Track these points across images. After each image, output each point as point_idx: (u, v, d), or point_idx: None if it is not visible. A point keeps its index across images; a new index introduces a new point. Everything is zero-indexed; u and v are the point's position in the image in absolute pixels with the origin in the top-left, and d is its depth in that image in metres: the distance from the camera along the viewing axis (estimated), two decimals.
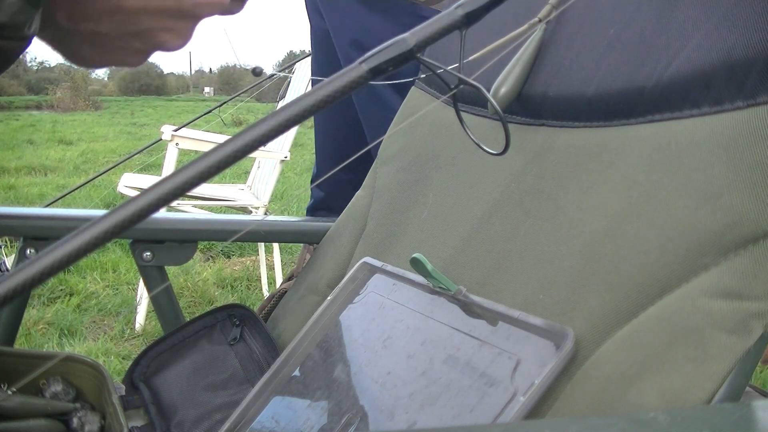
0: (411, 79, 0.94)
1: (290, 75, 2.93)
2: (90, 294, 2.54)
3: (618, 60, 0.60)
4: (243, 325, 0.87)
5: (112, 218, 0.28)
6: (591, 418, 0.33)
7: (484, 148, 0.51)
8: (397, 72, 0.34)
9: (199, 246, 1.25)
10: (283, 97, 3.11)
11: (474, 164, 0.74)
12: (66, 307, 2.40)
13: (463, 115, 0.76)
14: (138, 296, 2.43)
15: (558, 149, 0.64)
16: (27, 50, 0.48)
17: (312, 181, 1.96)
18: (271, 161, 2.60)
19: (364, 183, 0.93)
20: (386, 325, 0.68)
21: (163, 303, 0.92)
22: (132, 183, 2.55)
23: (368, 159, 0.96)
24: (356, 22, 1.36)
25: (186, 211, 2.37)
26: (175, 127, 2.53)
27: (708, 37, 0.53)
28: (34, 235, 0.85)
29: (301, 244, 0.98)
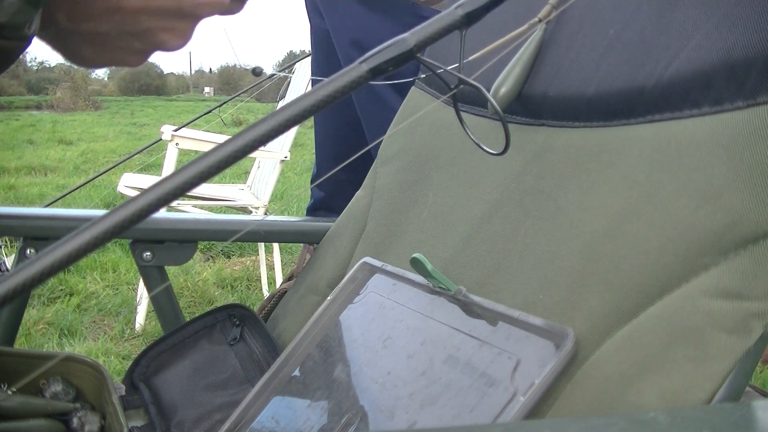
0: (411, 79, 0.94)
1: (290, 75, 2.93)
2: (90, 294, 2.54)
3: (618, 60, 0.60)
4: (243, 325, 0.87)
5: (112, 218, 0.28)
6: (591, 418, 0.33)
7: (484, 148, 0.51)
8: (397, 72, 0.34)
9: (199, 246, 1.25)
10: (283, 97, 3.11)
11: (474, 164, 0.74)
12: (66, 307, 2.40)
13: (463, 115, 0.76)
14: (138, 296, 2.43)
15: (558, 149, 0.64)
16: (27, 50, 0.48)
17: (312, 181, 1.96)
18: (271, 161, 2.60)
19: (364, 183, 0.93)
20: (386, 325, 0.68)
21: (163, 303, 0.92)
22: (132, 183, 2.55)
23: (368, 159, 0.96)
24: (356, 22, 1.36)
25: (186, 211, 2.37)
26: (175, 127, 2.53)
27: (708, 37, 0.53)
28: (34, 235, 0.85)
29: (301, 244, 0.98)
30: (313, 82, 2.10)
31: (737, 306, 0.44)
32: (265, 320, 0.93)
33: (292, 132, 2.68)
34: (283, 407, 0.71)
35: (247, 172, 3.21)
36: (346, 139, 1.54)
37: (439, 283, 0.64)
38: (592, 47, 0.64)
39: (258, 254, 2.81)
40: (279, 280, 2.54)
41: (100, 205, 4.09)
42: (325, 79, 0.32)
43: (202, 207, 2.53)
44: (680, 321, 0.45)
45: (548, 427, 0.28)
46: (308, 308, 0.84)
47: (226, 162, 0.30)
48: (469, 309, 0.61)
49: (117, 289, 2.62)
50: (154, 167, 4.48)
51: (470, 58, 0.70)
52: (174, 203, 0.90)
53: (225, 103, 3.89)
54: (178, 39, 0.52)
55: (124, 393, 0.83)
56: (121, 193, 2.50)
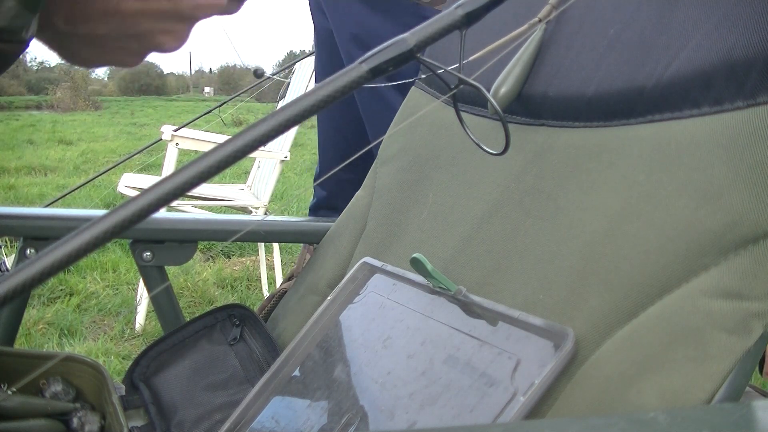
0: (412, 79, 0.94)
1: (289, 78, 2.93)
2: (90, 294, 2.54)
3: (618, 60, 0.60)
4: (243, 325, 0.87)
5: (112, 218, 0.28)
6: (591, 418, 0.33)
7: (484, 148, 0.51)
8: (398, 72, 0.34)
9: (199, 246, 1.25)
10: (283, 97, 3.11)
11: (474, 164, 0.74)
12: (66, 307, 2.40)
13: (463, 115, 0.76)
14: (138, 296, 2.43)
15: (558, 149, 0.64)
16: (26, 51, 0.48)
17: (315, 180, 1.97)
18: (271, 161, 2.60)
19: (364, 183, 0.93)
20: (386, 325, 0.68)
21: (163, 303, 0.92)
22: (132, 183, 2.55)
23: (371, 158, 0.96)
24: (359, 20, 1.36)
25: (186, 211, 2.37)
26: (175, 127, 2.53)
27: (708, 37, 0.53)
28: (34, 235, 0.85)
29: (301, 244, 0.98)
30: (317, 82, 2.10)
31: (737, 306, 0.44)
32: (265, 320, 0.93)
33: (292, 132, 2.68)
34: (283, 407, 0.71)
35: (247, 172, 3.21)
36: (348, 138, 1.55)
37: (439, 283, 0.64)
38: (592, 47, 0.64)
39: (258, 254, 2.81)
40: (279, 280, 2.54)
41: (100, 205, 4.09)
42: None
43: (202, 207, 2.53)
44: (680, 321, 0.45)
45: (548, 427, 0.28)
46: (308, 308, 0.84)
47: (226, 162, 0.30)
48: (469, 309, 0.61)
49: (117, 289, 2.62)
50: (154, 167, 4.48)
51: (470, 58, 0.70)
52: (174, 203, 0.90)
53: (225, 103, 3.89)
54: (175, 40, 0.52)
55: (124, 393, 0.83)
56: (121, 193, 2.50)
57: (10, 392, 0.70)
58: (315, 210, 1.68)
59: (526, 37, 0.70)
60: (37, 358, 0.78)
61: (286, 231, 1.00)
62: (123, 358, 2.02)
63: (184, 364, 0.84)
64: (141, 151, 3.52)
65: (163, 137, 2.38)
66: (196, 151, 2.45)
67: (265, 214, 2.48)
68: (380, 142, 0.92)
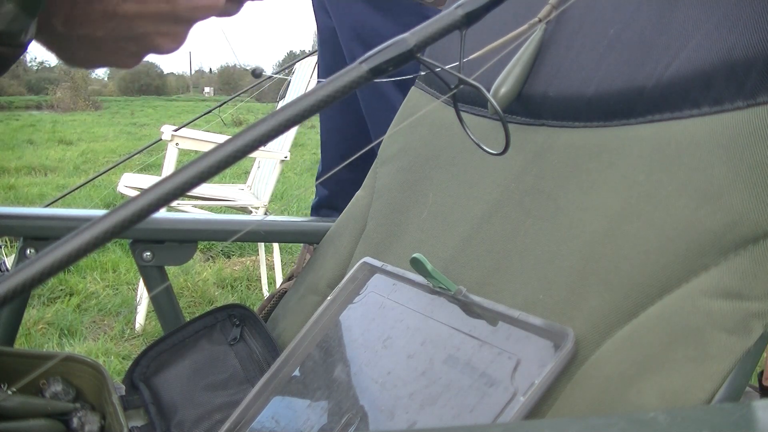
0: (412, 76, 0.94)
1: (290, 77, 2.93)
2: (90, 294, 2.54)
3: (618, 60, 0.60)
4: (243, 325, 0.87)
5: (112, 218, 0.28)
6: (591, 418, 0.33)
7: (484, 148, 0.51)
8: (399, 70, 0.34)
9: (199, 246, 1.25)
10: (283, 97, 3.11)
11: (474, 164, 0.74)
12: (66, 307, 2.40)
13: (463, 115, 0.76)
14: (138, 296, 2.43)
15: (558, 149, 0.64)
16: (26, 52, 0.48)
17: (317, 179, 1.97)
18: (271, 161, 2.60)
19: (364, 183, 0.93)
20: (386, 325, 0.68)
21: (163, 303, 0.92)
22: (132, 183, 2.55)
23: (373, 158, 0.96)
24: (362, 19, 1.36)
25: (186, 211, 2.37)
26: (175, 127, 2.53)
27: (708, 37, 0.53)
28: (34, 235, 0.85)
29: (301, 244, 0.98)
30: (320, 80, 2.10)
31: (737, 306, 0.44)
32: (265, 320, 0.93)
33: (292, 132, 2.68)
34: (283, 407, 0.71)
35: (247, 172, 3.21)
36: (350, 137, 1.55)
37: (439, 283, 0.64)
38: (592, 47, 0.64)
39: (258, 254, 2.81)
40: (279, 280, 2.54)
41: (100, 205, 4.09)
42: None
43: (202, 207, 2.53)
44: (680, 321, 0.45)
45: (548, 427, 0.28)
46: (308, 308, 0.84)
47: (226, 162, 0.30)
48: (469, 309, 0.61)
49: (117, 289, 2.62)
50: (154, 167, 4.48)
51: (470, 57, 0.70)
52: (174, 203, 0.90)
53: (225, 103, 3.90)
54: (173, 42, 0.53)
55: (124, 393, 0.83)
56: (121, 193, 2.50)
57: (10, 392, 0.70)
58: (317, 209, 1.68)
59: (526, 37, 0.70)
60: (37, 358, 0.78)
61: (286, 231, 1.00)
62: (123, 358, 2.02)
63: (184, 364, 0.84)
64: (141, 151, 3.53)
65: (163, 137, 2.38)
66: (196, 151, 2.45)
67: (265, 214, 2.48)
68: (380, 142, 0.92)
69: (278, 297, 0.95)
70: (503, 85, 0.69)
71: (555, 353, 0.51)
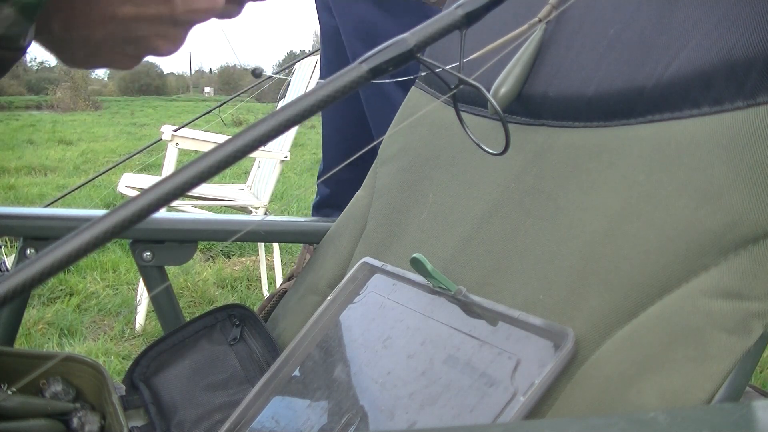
0: (412, 77, 0.94)
1: (290, 77, 2.93)
2: (90, 294, 2.54)
3: (618, 60, 0.60)
4: (243, 325, 0.87)
5: (112, 218, 0.28)
6: (591, 418, 0.33)
7: (484, 148, 0.51)
8: (401, 70, 0.34)
9: (199, 246, 1.25)
10: (283, 97, 3.11)
11: (474, 164, 0.74)
12: (66, 307, 2.40)
13: (463, 115, 0.76)
14: (138, 296, 2.43)
15: (558, 149, 0.64)
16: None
17: (318, 178, 1.97)
18: (271, 161, 2.60)
19: (364, 183, 0.93)
20: (386, 325, 0.68)
21: (163, 303, 0.92)
22: (132, 183, 2.55)
23: (374, 157, 0.96)
24: (365, 18, 1.37)
25: (186, 211, 2.37)
26: (175, 127, 2.53)
27: (708, 37, 0.53)
28: (34, 235, 0.85)
29: (301, 244, 0.98)
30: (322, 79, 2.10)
31: (737, 306, 0.44)
32: (265, 320, 0.93)
33: (292, 132, 2.68)
34: (283, 407, 0.71)
35: (247, 172, 3.21)
36: (352, 136, 1.55)
37: (439, 283, 0.64)
38: (592, 47, 0.64)
39: (258, 254, 2.81)
40: (279, 280, 2.54)
41: (100, 205, 4.09)
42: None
43: (202, 207, 2.53)
44: (680, 321, 0.45)
45: (548, 427, 0.28)
46: (308, 308, 0.84)
47: (226, 162, 0.30)
48: (469, 309, 0.61)
49: (117, 289, 2.62)
50: (154, 167, 4.48)
51: (470, 57, 0.70)
52: (174, 203, 0.90)
53: (225, 103, 3.90)
54: (172, 44, 0.53)
55: (124, 393, 0.83)
56: (121, 193, 2.50)
57: (10, 392, 0.70)
58: (318, 208, 1.68)
59: (526, 37, 0.70)
60: (37, 358, 0.78)
61: (286, 231, 1.00)
62: (123, 358, 2.02)
63: (184, 364, 0.84)
64: (141, 151, 3.53)
65: (163, 137, 2.38)
66: (196, 151, 2.45)
67: (265, 214, 2.48)
68: (380, 142, 0.92)
69: (278, 297, 0.95)
70: (503, 85, 0.69)
71: (555, 353, 0.51)
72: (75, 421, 0.72)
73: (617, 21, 0.62)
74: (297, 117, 0.31)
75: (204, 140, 2.48)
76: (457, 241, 0.70)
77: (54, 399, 0.73)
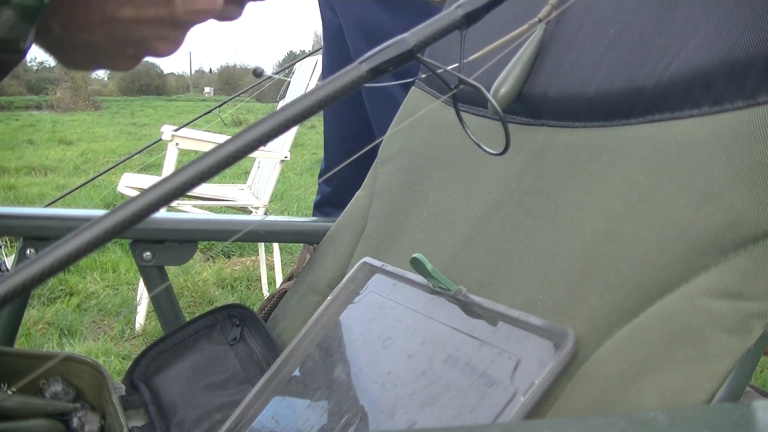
0: (412, 79, 0.95)
1: (289, 78, 2.93)
2: (90, 294, 2.54)
3: (618, 60, 0.60)
4: (243, 325, 0.87)
5: (112, 218, 0.28)
6: (591, 418, 0.33)
7: (484, 148, 0.51)
8: (402, 70, 0.34)
9: (199, 246, 1.25)
10: (283, 97, 3.11)
11: (474, 164, 0.74)
12: (66, 307, 2.40)
13: (463, 115, 0.76)
14: (138, 296, 2.43)
15: (558, 149, 0.64)
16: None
17: (319, 177, 1.97)
18: (271, 161, 2.60)
19: (364, 183, 0.93)
20: (386, 325, 0.68)
21: (163, 303, 0.92)
22: (132, 183, 2.55)
23: (375, 156, 0.96)
24: (368, 17, 1.37)
25: (186, 211, 2.37)
26: (175, 127, 2.53)
27: (708, 37, 0.53)
28: (34, 235, 0.85)
29: (301, 244, 0.98)
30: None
31: (737, 306, 0.44)
32: (265, 320, 0.93)
33: (292, 132, 2.68)
34: (283, 407, 0.71)
35: (247, 172, 3.21)
36: (354, 135, 1.55)
37: (439, 283, 0.64)
38: (592, 47, 0.64)
39: (258, 254, 2.81)
40: (279, 280, 2.54)
41: (100, 205, 4.09)
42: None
43: (202, 207, 2.53)
44: (680, 321, 0.45)
45: (548, 427, 0.28)
46: (308, 308, 0.84)
47: (226, 162, 0.30)
48: (469, 309, 0.61)
49: (117, 289, 2.62)
50: (154, 167, 4.48)
51: (470, 58, 0.70)
52: (174, 203, 0.90)
53: (225, 103, 3.90)
54: (171, 45, 0.53)
55: (124, 393, 0.83)
56: (121, 193, 2.50)
57: (10, 392, 0.70)
58: (319, 207, 1.68)
59: (526, 37, 0.70)
60: (37, 358, 0.78)
61: (286, 231, 1.00)
62: (123, 358, 2.02)
63: (184, 364, 0.84)
64: (141, 151, 3.53)
65: (163, 137, 2.38)
66: (196, 151, 2.45)
67: (265, 214, 2.48)
68: (381, 141, 0.92)
69: (278, 297, 0.95)
70: (503, 85, 0.69)
71: (555, 353, 0.51)
72: (75, 421, 0.72)
73: (617, 21, 0.62)
74: (297, 117, 0.31)
75: (204, 140, 2.48)
76: (457, 241, 0.70)
77: (54, 399, 0.73)
